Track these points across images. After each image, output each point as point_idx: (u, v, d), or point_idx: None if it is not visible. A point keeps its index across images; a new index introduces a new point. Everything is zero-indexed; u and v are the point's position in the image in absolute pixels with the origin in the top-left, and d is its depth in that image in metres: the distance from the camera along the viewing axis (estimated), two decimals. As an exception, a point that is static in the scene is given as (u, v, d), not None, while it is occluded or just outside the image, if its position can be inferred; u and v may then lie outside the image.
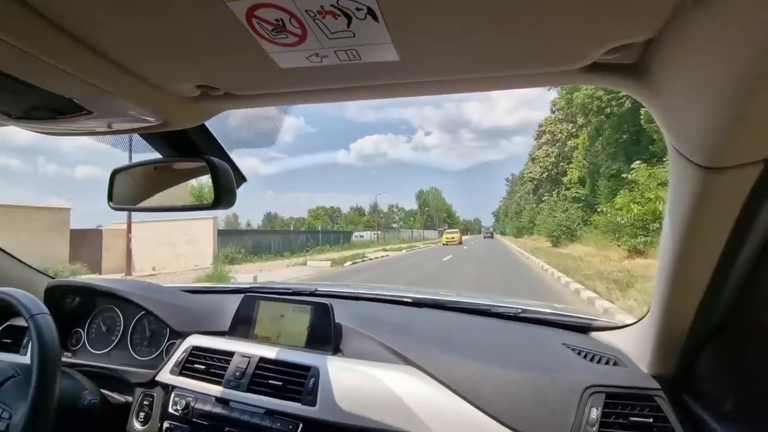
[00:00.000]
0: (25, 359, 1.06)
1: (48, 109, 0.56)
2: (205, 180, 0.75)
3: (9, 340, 1.14)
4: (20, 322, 1.16)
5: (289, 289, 1.35)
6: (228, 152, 0.84)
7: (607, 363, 0.83)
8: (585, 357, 0.86)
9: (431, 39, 0.39)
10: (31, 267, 1.25)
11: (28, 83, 0.48)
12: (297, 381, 0.88)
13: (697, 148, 0.42)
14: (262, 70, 0.46)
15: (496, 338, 1.01)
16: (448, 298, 1.25)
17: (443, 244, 28.79)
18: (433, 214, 77.80)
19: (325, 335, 0.95)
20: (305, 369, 0.89)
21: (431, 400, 0.79)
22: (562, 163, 30.21)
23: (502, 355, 0.88)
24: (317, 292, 1.29)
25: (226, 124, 0.84)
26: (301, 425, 0.83)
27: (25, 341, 1.12)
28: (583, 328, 1.01)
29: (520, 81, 0.48)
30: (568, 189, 25.94)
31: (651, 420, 0.69)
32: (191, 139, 0.75)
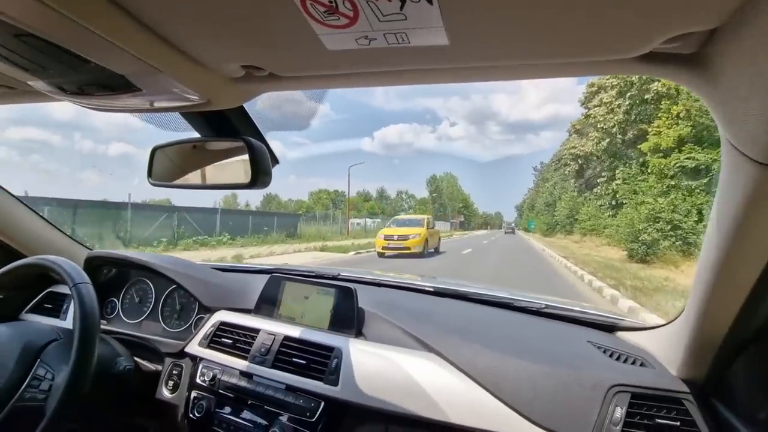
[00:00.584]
0: (66, 324, 1.12)
1: (101, 85, 0.58)
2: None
3: (50, 306, 1.21)
4: (60, 288, 1.22)
5: (313, 272, 1.37)
6: (263, 134, 0.86)
7: (633, 363, 0.82)
8: (611, 356, 0.85)
9: (484, 23, 0.38)
10: (72, 237, 1.31)
11: (84, 59, 0.50)
12: (320, 361, 0.90)
13: (755, 143, 0.40)
14: (310, 52, 0.47)
15: (518, 331, 1.00)
16: (470, 290, 1.25)
17: (378, 253, 12.30)
18: (446, 203, 71.15)
19: (349, 318, 0.97)
20: (328, 349, 0.91)
21: (451, 387, 0.80)
22: (636, 125, 18.51)
23: (524, 349, 0.88)
24: (340, 277, 1.31)
25: (261, 105, 0.85)
26: (323, 403, 0.86)
27: (65, 307, 1.18)
28: (610, 327, 1.00)
29: (570, 69, 0.47)
30: (664, 156, 14.27)
31: (678, 423, 0.68)
32: (230, 119, 0.76)
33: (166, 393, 1.02)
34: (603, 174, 21.83)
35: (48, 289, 1.23)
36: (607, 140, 21.24)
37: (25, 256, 0.94)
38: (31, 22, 0.43)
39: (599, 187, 22.05)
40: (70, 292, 0.80)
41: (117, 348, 1.00)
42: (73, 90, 0.60)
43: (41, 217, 1.24)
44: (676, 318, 0.76)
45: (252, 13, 0.40)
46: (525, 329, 1.03)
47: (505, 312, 1.13)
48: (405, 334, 0.92)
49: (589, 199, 23.30)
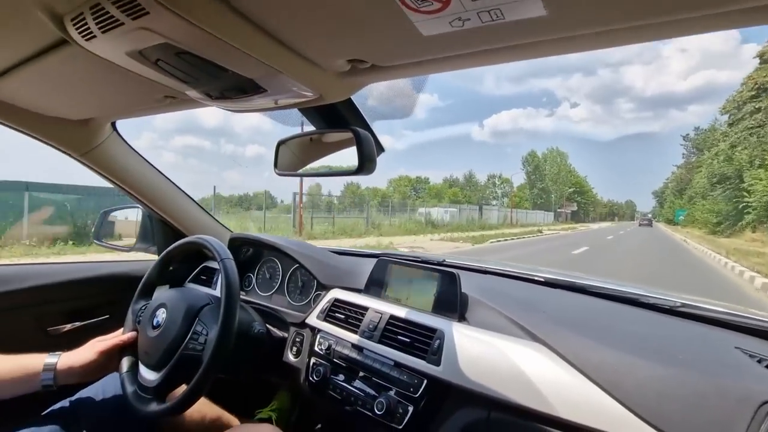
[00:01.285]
0: (216, 292, 1.35)
1: (237, 89, 0.69)
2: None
3: (205, 277, 1.47)
4: (212, 264, 1.47)
5: (419, 257, 1.41)
6: (369, 124, 0.91)
7: None
8: (767, 367, 0.71)
9: None
10: (218, 221, 1.57)
11: (223, 68, 0.61)
12: (423, 341, 0.93)
13: None
14: (406, 40, 0.49)
15: (643, 330, 0.90)
16: (587, 282, 1.15)
17: None
18: (550, 187, 55.76)
19: (452, 302, 0.98)
20: (431, 330, 0.93)
21: (559, 380, 0.76)
22: None
23: (650, 349, 0.78)
24: (445, 263, 1.32)
25: (367, 96, 0.91)
26: (425, 381, 0.89)
27: (215, 279, 1.42)
28: (767, 333, 0.83)
29: (695, 25, 0.40)
30: None
31: None
32: (339, 111, 0.84)
33: (291, 357, 1.17)
34: None
35: (203, 264, 1.50)
36: None
37: (186, 236, 1.16)
38: (186, 41, 0.53)
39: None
40: (218, 267, 0.96)
41: (253, 315, 1.17)
42: (216, 95, 0.72)
43: (197, 204, 1.51)
44: None
45: (353, 8, 0.44)
46: (653, 328, 0.91)
47: (629, 308, 1.02)
48: (509, 322, 0.90)
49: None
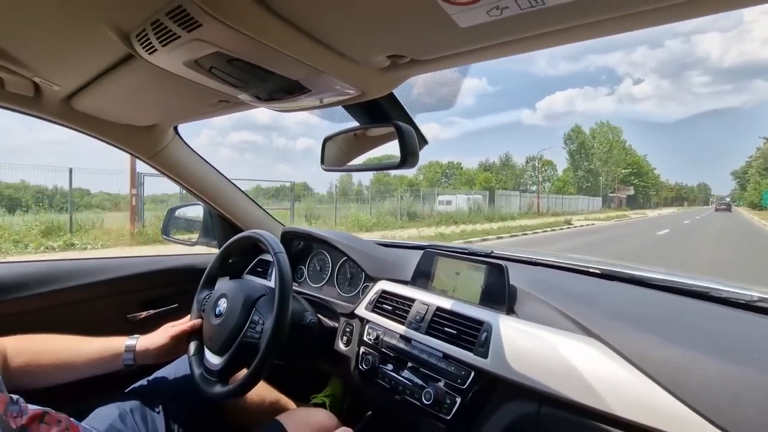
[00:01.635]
0: (271, 284, 1.42)
1: (283, 91, 0.72)
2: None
3: (260, 269, 1.55)
4: (266, 257, 1.55)
5: (466, 249, 1.40)
6: (412, 117, 0.92)
7: None
8: None
9: None
10: (271, 216, 1.65)
11: (270, 71, 0.64)
12: (470, 333, 0.93)
13: None
14: (444, 33, 0.48)
15: (713, 326, 0.83)
16: (648, 274, 1.08)
17: None
18: (599, 168, 45.41)
19: (499, 294, 0.97)
20: (478, 323, 0.93)
21: (615, 377, 0.72)
22: None
23: (720, 346, 0.72)
24: (493, 255, 1.30)
25: (409, 90, 0.91)
26: (473, 373, 0.89)
27: (270, 271, 1.50)
28: None
29: None
30: None
31: None
32: (382, 106, 0.85)
33: (341, 346, 1.21)
34: None
35: (259, 257, 1.59)
36: None
37: (242, 230, 1.24)
38: (235, 49, 0.56)
39: None
40: (272, 260, 1.01)
41: (305, 305, 1.23)
42: (265, 97, 0.76)
43: (251, 199, 1.59)
44: None
45: (390, 5, 0.45)
46: (725, 324, 0.84)
47: (697, 302, 0.94)
48: (561, 316, 0.87)
49: None
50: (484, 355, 0.87)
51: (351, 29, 0.53)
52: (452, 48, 0.54)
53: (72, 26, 0.62)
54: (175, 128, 1.27)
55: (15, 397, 0.73)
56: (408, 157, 0.79)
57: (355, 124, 0.94)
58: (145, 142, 1.22)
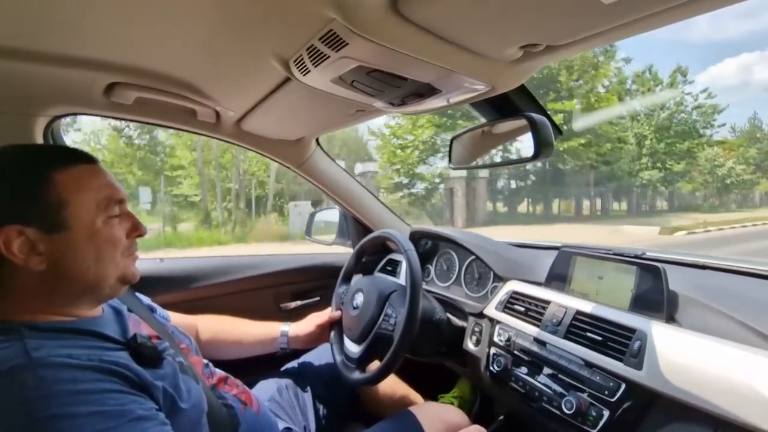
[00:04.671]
0: (400, 281, 1.50)
1: (414, 94, 0.76)
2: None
3: (390, 268, 1.64)
4: (395, 256, 1.63)
5: (610, 250, 1.26)
6: (543, 106, 0.87)
7: None
8: None
9: None
10: (398, 216, 1.73)
11: (403, 77, 0.68)
12: (619, 341, 0.83)
13: None
14: (585, 11, 0.46)
15: None
16: None
17: None
18: None
19: (656, 300, 0.85)
20: (630, 330, 0.83)
21: None
22: None
23: None
24: (644, 256, 1.14)
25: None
26: (623, 385, 0.79)
27: (399, 269, 1.58)
28: None
29: None
30: None
31: None
32: (511, 99, 0.82)
33: (470, 345, 1.20)
34: None
35: (388, 257, 1.68)
36: None
37: (374, 231, 1.32)
38: (374, 60, 0.62)
39: None
40: (402, 258, 1.07)
41: (434, 303, 1.25)
42: (398, 103, 0.81)
43: (381, 202, 1.69)
44: None
45: None
46: None
47: None
48: (739, 326, 0.72)
49: None
50: (638, 366, 0.78)
51: (482, 24, 0.53)
52: (594, 28, 0.50)
53: (244, 59, 0.76)
54: (317, 140, 1.43)
55: (205, 361, 0.91)
56: (542, 149, 0.75)
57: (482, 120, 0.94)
58: (294, 153, 1.41)
